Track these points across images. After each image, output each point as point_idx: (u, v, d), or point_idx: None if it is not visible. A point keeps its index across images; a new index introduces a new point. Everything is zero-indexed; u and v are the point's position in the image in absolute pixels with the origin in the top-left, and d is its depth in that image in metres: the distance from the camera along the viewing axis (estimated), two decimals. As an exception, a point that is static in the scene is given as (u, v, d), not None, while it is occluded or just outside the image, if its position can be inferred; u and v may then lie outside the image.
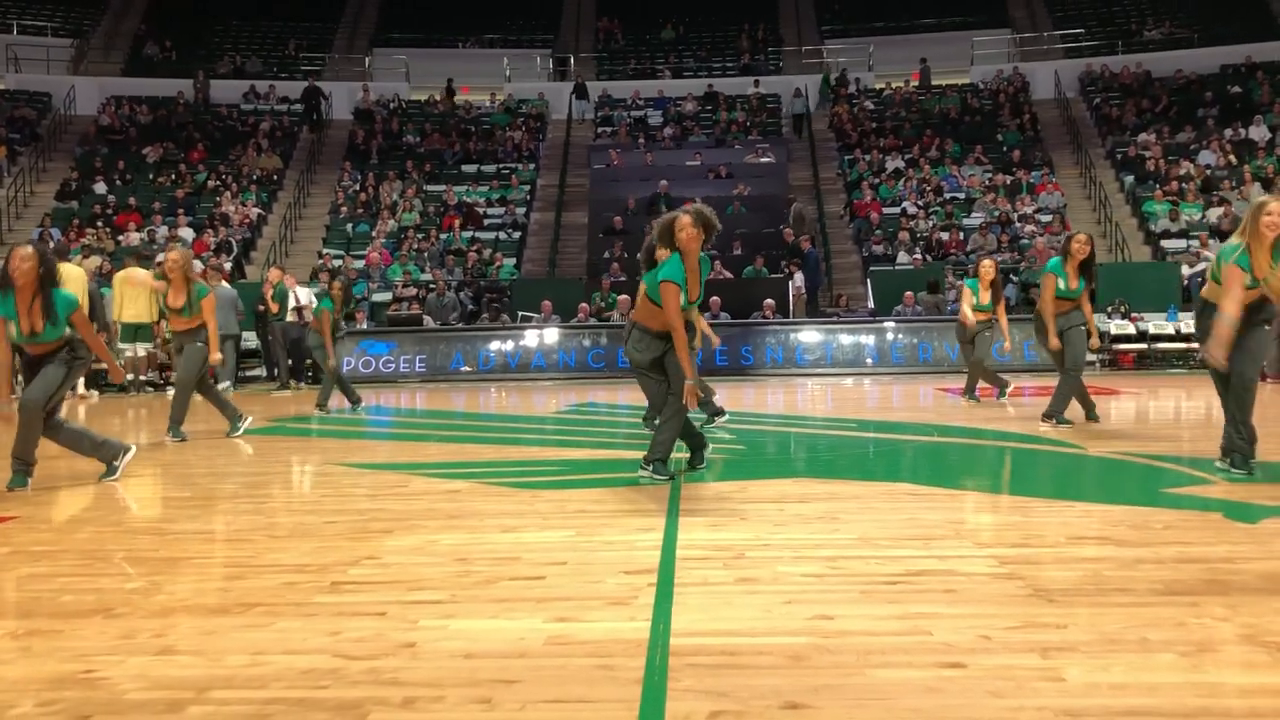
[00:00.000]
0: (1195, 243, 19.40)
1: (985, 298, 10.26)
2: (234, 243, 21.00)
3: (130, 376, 14.75)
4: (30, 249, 5.77)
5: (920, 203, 22.15)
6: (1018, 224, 20.93)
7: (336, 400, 10.81)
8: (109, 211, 22.31)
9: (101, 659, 2.72)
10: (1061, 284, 7.88)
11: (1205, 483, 5.28)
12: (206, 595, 3.38)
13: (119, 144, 25.30)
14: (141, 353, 14.65)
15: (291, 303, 14.87)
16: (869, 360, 16.64)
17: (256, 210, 22.89)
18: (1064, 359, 7.96)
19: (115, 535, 4.45)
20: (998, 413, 9.45)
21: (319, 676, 2.56)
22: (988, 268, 10.42)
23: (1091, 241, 8.08)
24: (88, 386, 14.47)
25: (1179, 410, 10.15)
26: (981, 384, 10.73)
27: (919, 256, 20.07)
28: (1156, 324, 17.02)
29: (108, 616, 3.12)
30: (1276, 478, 5.48)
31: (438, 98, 27.87)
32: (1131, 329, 16.95)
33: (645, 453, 5.69)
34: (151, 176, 24.06)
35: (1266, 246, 5.15)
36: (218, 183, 23.76)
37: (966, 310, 10.34)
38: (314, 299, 13.87)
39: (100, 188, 23.33)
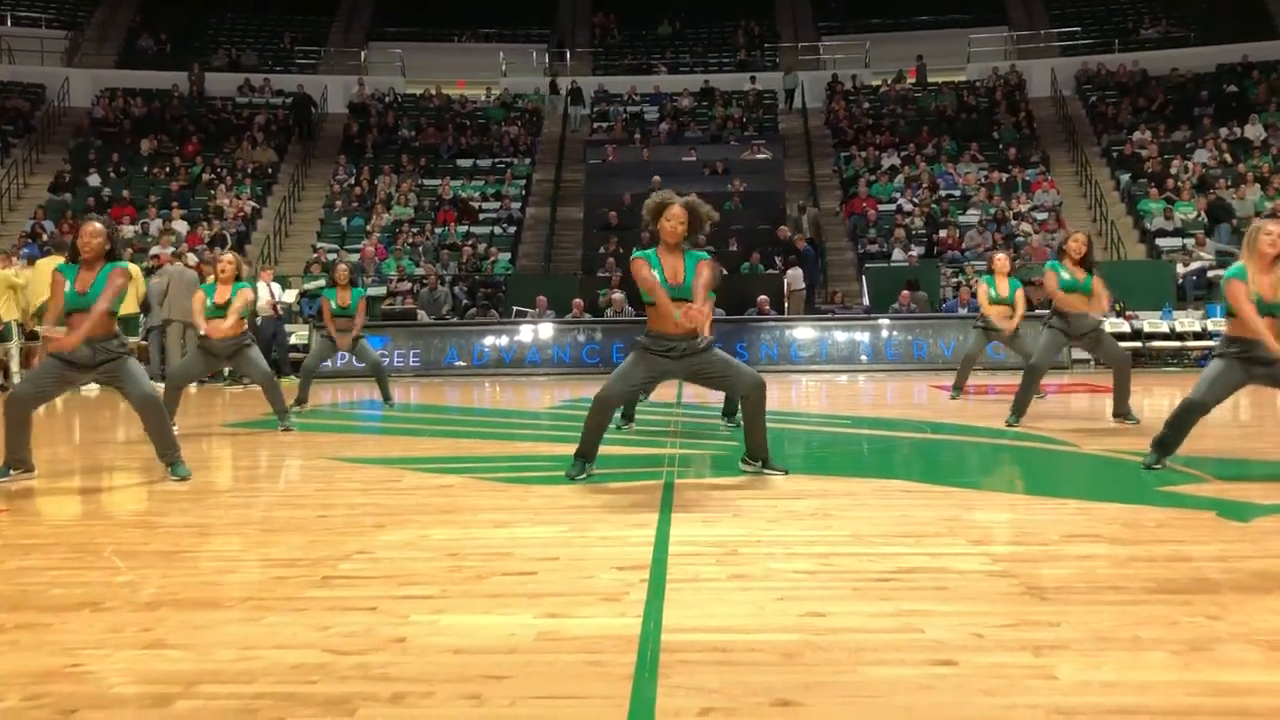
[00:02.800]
0: (1190, 241, 19.43)
1: (1004, 290, 10.18)
2: (228, 236, 20.93)
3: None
4: (99, 224, 5.78)
5: (915, 199, 22.15)
6: (1013, 222, 20.94)
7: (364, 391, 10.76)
8: (103, 204, 22.23)
9: (89, 653, 2.71)
10: (1065, 275, 7.95)
11: (1198, 481, 5.29)
12: (196, 589, 3.36)
13: (113, 136, 25.21)
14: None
15: (266, 296, 14.88)
16: (863, 357, 16.64)
17: (251, 204, 22.83)
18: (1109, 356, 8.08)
19: (105, 528, 4.43)
20: (991, 410, 9.44)
21: (308, 671, 2.55)
22: (1003, 261, 10.36)
23: (1089, 240, 8.14)
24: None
25: (1172, 408, 10.14)
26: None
27: (914, 253, 20.07)
28: (1151, 322, 17.04)
29: (96, 610, 3.11)
30: (1268, 477, 5.49)
31: (433, 92, 27.79)
32: (1126, 327, 16.96)
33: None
34: (145, 169, 23.97)
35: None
36: (212, 176, 23.69)
37: (987, 305, 10.29)
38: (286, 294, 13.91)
39: (94, 180, 23.24)
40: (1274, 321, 5.23)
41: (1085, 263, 7.99)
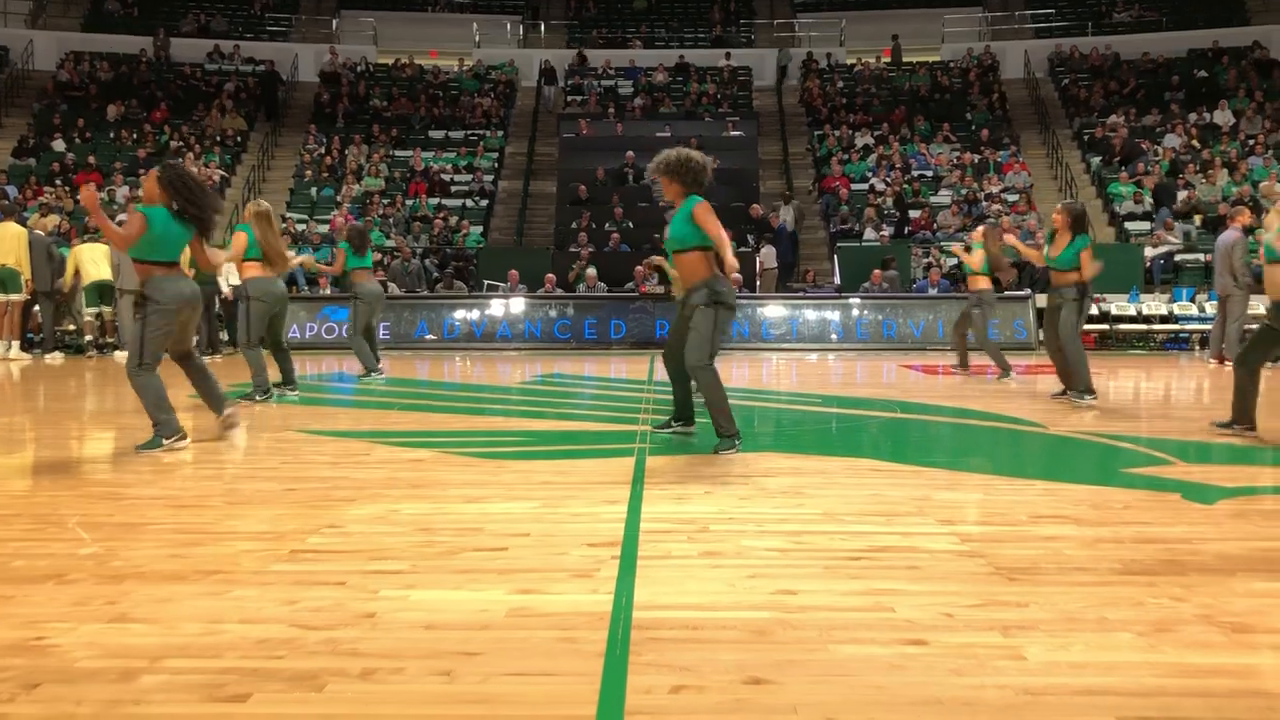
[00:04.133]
0: (1159, 225, 19.61)
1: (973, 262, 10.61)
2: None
3: (89, 338, 14.56)
4: (155, 170, 5.84)
5: (888, 179, 22.20)
6: (984, 203, 21.03)
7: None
8: (68, 170, 21.88)
9: (53, 626, 2.67)
10: (1045, 249, 8.43)
11: (1164, 463, 5.34)
12: (162, 562, 3.32)
13: (78, 101, 24.80)
14: (92, 315, 14.42)
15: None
16: (834, 336, 16.71)
17: (220, 172, 22.54)
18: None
19: (71, 500, 4.37)
20: (961, 390, 9.51)
21: (275, 646, 2.52)
22: (977, 233, 10.74)
23: (1065, 210, 8.31)
24: (53, 348, 14.28)
25: (1139, 391, 10.26)
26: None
27: (886, 233, 20.13)
28: (1119, 305, 17.20)
29: (60, 582, 3.07)
30: (1231, 460, 5.55)
31: (406, 62, 27.49)
32: (1094, 310, 17.11)
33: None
34: (112, 135, 23.62)
35: None
36: (180, 143, 23.36)
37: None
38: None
39: (59, 145, 22.88)
40: None
41: (1075, 233, 8.16)
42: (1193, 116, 23.59)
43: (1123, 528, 3.81)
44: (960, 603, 2.87)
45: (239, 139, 24.12)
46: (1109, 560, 3.34)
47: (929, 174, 22.60)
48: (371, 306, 10.28)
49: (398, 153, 23.69)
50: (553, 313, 16.91)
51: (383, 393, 9.49)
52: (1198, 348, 16.40)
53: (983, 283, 10.60)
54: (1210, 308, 15.95)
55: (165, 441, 5.69)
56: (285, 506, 4.18)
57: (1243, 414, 6.18)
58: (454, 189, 22.45)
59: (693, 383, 6.02)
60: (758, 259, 18.75)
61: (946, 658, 2.46)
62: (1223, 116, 23.39)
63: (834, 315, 16.98)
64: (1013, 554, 3.42)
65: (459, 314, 16.95)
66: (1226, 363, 12.60)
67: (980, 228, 10.87)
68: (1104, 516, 4.00)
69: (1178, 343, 17.08)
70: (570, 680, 2.33)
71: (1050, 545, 3.54)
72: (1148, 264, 18.39)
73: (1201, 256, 18.25)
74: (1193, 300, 17.14)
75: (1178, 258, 18.70)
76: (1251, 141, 22.16)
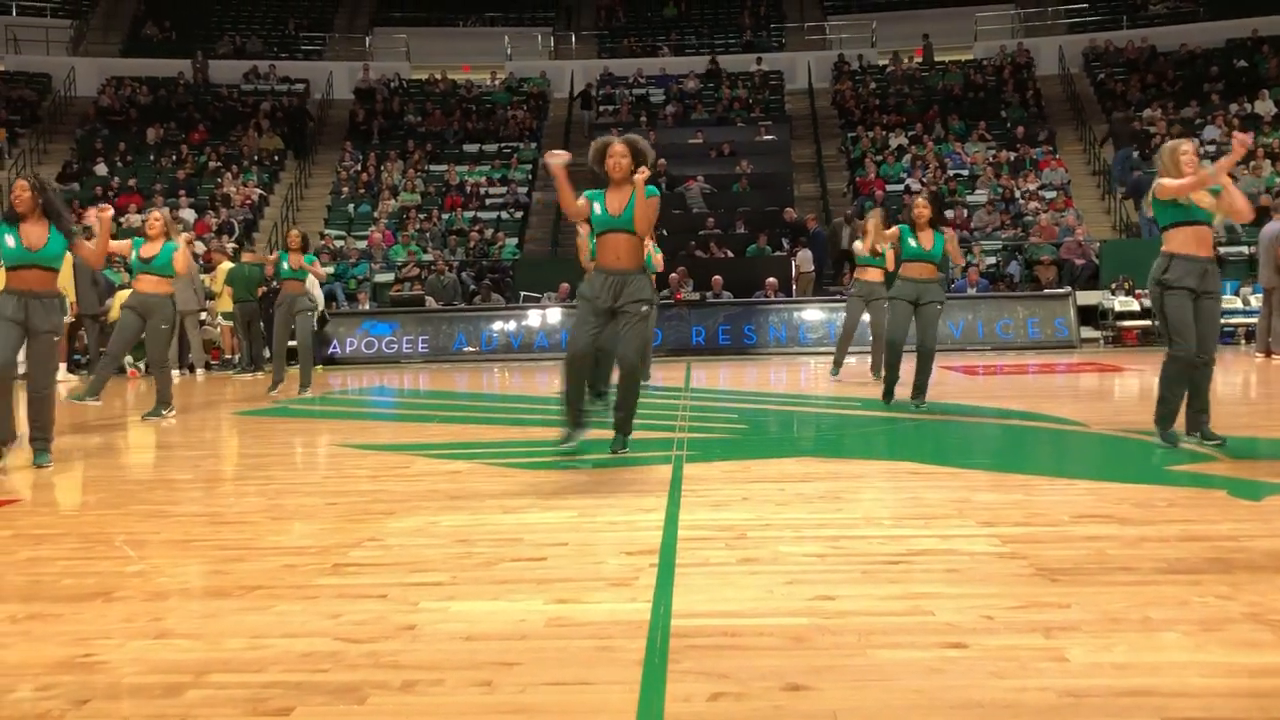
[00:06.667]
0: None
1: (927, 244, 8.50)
2: (236, 224, 20.96)
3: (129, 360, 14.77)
4: (26, 180, 6.07)
5: (924, 179, 22.04)
6: (1021, 201, 20.83)
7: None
8: (110, 193, 22.23)
9: (100, 643, 2.72)
10: (912, 243, 7.91)
11: (1208, 459, 5.26)
12: (206, 578, 3.38)
13: (119, 125, 25.20)
14: (131, 363, 14.59)
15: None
16: (871, 338, 16.59)
17: (258, 191, 22.83)
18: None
19: (117, 518, 4.44)
20: (998, 390, 9.41)
21: (318, 660, 2.55)
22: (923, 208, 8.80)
23: (931, 204, 7.98)
24: (76, 369, 14.48)
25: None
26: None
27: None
28: (1161, 300, 16.92)
29: (107, 600, 3.12)
30: (1279, 455, 5.46)
31: (439, 77, 27.71)
32: (1135, 306, 16.89)
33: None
34: (152, 158, 23.98)
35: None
36: (219, 163, 23.69)
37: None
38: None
39: (101, 169, 23.25)
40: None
41: (936, 225, 7.92)
42: (1233, 107, 23.22)
43: (1167, 526, 3.76)
44: (1001, 605, 2.85)
45: (276, 158, 24.41)
46: (1153, 559, 3.29)
47: (964, 173, 22.42)
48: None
49: (432, 167, 23.86)
50: (589, 322, 16.94)
51: (422, 405, 9.55)
52: (1244, 341, 16.15)
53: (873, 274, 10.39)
54: (1255, 300, 15.69)
55: None
56: (327, 521, 4.22)
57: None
58: (489, 201, 22.59)
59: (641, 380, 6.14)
60: (794, 263, 18.68)
61: (987, 660, 2.44)
62: (1264, 107, 22.99)
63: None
64: (1054, 555, 3.38)
65: (496, 325, 17.04)
66: (1274, 356, 12.40)
67: (876, 211, 10.01)
68: (1148, 515, 3.95)
69: (1223, 336, 16.81)
70: (609, 689, 2.34)
71: (1093, 545, 3.50)
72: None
73: (1246, 249, 17.96)
74: (1237, 293, 16.86)
75: (1221, 251, 18.42)
76: (1294, 131, 21.79)
